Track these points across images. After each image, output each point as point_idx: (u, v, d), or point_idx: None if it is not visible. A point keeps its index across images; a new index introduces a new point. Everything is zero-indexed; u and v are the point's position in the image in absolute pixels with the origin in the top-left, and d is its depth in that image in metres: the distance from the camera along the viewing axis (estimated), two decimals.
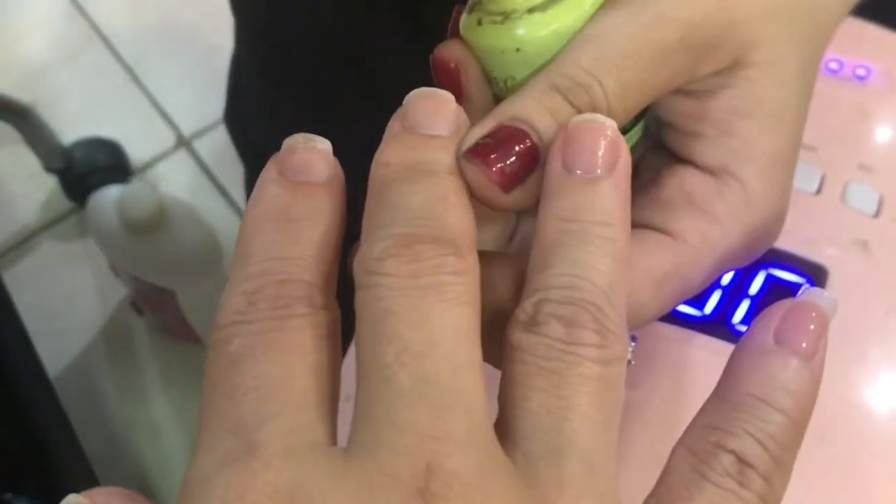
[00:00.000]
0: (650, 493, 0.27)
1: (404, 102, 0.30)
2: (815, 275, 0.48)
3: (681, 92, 0.33)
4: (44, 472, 1.04)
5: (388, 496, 0.23)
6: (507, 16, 0.32)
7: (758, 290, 0.48)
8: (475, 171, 0.29)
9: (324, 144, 0.30)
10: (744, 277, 0.48)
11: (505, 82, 0.33)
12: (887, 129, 0.54)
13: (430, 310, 0.25)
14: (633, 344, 0.46)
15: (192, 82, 1.78)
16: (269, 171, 0.29)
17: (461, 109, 0.31)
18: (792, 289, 0.48)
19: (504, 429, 0.26)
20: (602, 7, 0.32)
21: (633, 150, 0.35)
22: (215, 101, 1.71)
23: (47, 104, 1.63)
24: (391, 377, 0.25)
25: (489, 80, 0.33)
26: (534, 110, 0.30)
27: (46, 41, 1.85)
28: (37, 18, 1.87)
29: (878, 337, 0.47)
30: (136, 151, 1.69)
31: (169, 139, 1.74)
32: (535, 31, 0.31)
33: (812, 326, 0.28)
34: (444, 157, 0.29)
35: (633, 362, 0.45)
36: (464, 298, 0.26)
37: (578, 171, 0.28)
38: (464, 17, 0.33)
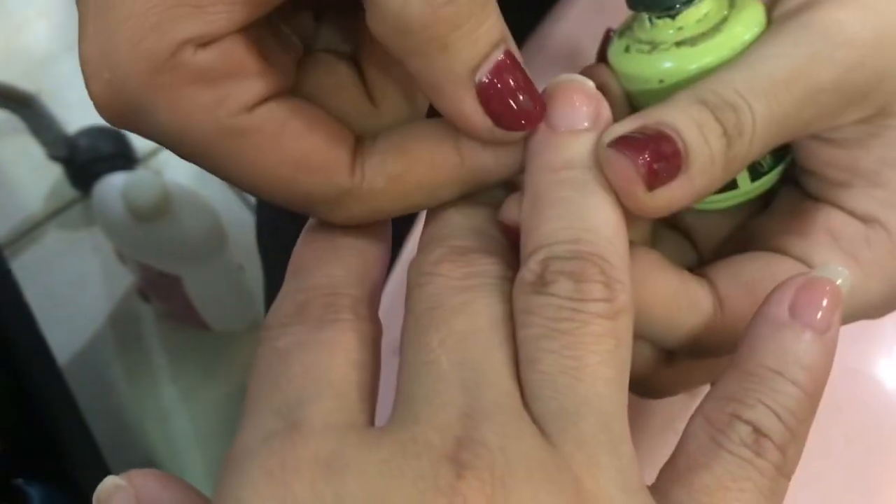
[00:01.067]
0: (667, 461, 0.28)
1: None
2: None
3: (824, 140, 0.32)
4: (54, 458, 1.04)
5: (419, 462, 0.24)
6: (655, 46, 0.32)
7: None
8: (622, 162, 0.28)
9: None
10: None
11: None
12: None
13: (473, 301, 0.28)
14: None
15: None
16: None
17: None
18: None
19: (522, 391, 0.27)
20: (756, 41, 0.31)
21: (767, 192, 0.35)
22: None
23: (50, 94, 1.63)
24: (433, 361, 0.27)
25: (631, 108, 0.33)
26: (680, 119, 0.29)
27: (49, 31, 1.85)
28: (39, 8, 1.87)
29: None
30: (140, 139, 1.68)
31: None
32: (681, 66, 0.31)
33: (825, 301, 0.28)
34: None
35: None
36: (508, 296, 0.28)
37: (563, 128, 0.29)
38: (613, 42, 0.33)
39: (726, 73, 0.30)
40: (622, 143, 0.29)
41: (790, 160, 0.34)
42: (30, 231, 1.64)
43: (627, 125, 0.29)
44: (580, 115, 0.29)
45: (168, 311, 1.54)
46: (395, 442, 0.25)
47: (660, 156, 0.29)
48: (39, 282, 1.45)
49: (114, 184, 1.34)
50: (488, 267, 0.28)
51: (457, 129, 0.30)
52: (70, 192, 1.65)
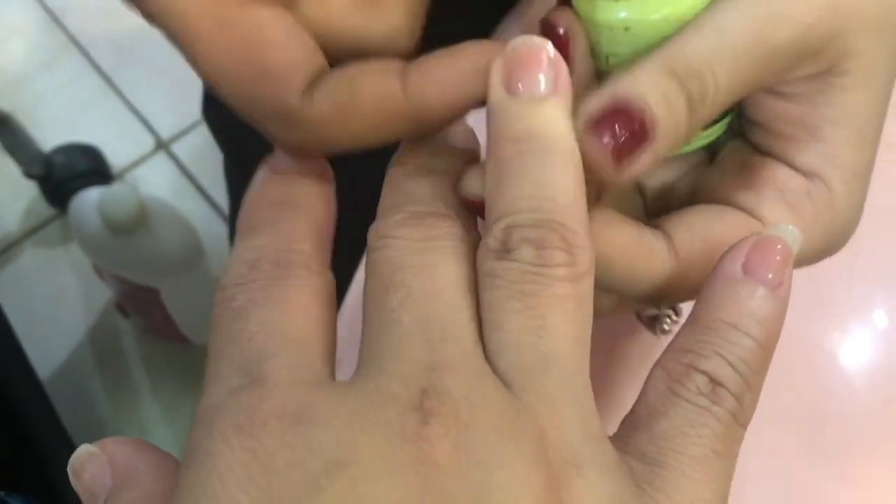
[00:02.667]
0: (629, 412, 0.29)
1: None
2: None
3: (774, 94, 0.33)
4: (37, 471, 1.04)
5: (385, 412, 0.25)
6: None
7: None
8: (596, 144, 0.30)
9: None
10: None
11: (607, 58, 0.33)
12: None
13: (435, 263, 0.28)
14: (676, 317, 0.47)
15: (168, 87, 1.78)
16: (269, 162, 0.32)
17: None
18: None
19: (486, 349, 0.27)
20: None
21: (715, 141, 0.36)
22: (192, 104, 1.70)
23: (25, 112, 1.63)
24: (395, 319, 0.27)
25: (592, 52, 0.34)
26: (649, 91, 0.30)
27: (23, 50, 1.85)
28: (13, 27, 1.88)
29: (844, 282, 0.48)
30: (116, 156, 1.70)
31: (147, 143, 1.75)
32: (646, 14, 0.32)
33: (777, 258, 0.29)
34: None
35: (669, 330, 0.47)
36: (467, 259, 0.29)
37: (522, 94, 0.29)
38: None
39: (690, 38, 0.31)
40: (598, 125, 0.30)
41: (738, 111, 0.35)
42: (7, 249, 1.64)
43: (598, 101, 0.30)
44: (541, 81, 0.29)
45: (147, 325, 1.54)
46: (360, 393, 0.25)
47: (629, 132, 0.30)
48: (17, 299, 1.45)
49: (90, 198, 1.34)
50: (447, 230, 0.29)
51: (405, 65, 0.30)
52: (47, 209, 1.65)
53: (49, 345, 1.51)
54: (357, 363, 0.27)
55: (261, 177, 0.32)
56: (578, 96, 0.31)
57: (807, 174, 0.34)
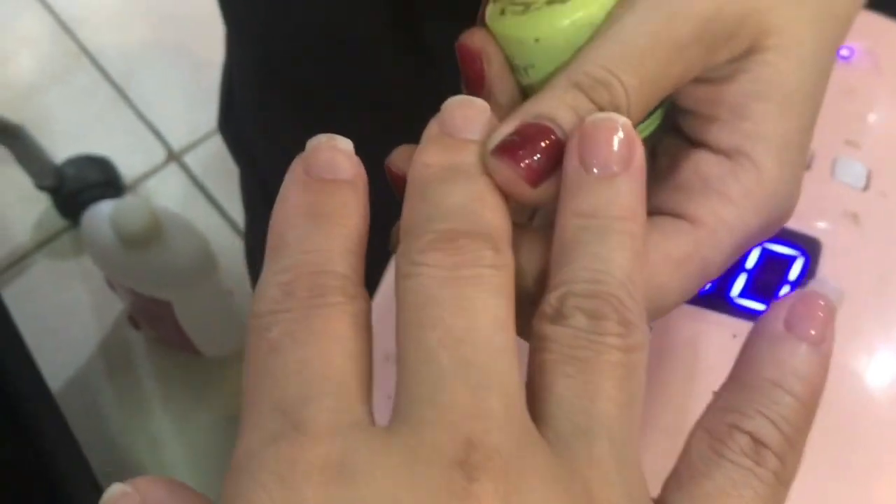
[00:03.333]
0: (671, 472, 0.29)
1: (442, 108, 0.32)
2: (809, 247, 0.49)
3: (698, 78, 0.34)
4: (49, 485, 1.04)
5: (431, 468, 0.24)
6: (527, 6, 0.33)
7: (754, 264, 0.49)
8: (503, 168, 0.30)
9: (346, 144, 0.32)
10: None
11: (526, 70, 0.34)
12: (871, 107, 0.55)
13: (470, 298, 0.27)
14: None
15: (180, 97, 1.79)
16: (296, 171, 0.31)
17: (494, 117, 0.32)
18: (786, 261, 0.49)
19: (534, 412, 0.27)
20: (619, 1, 0.32)
21: (650, 138, 0.36)
22: (204, 116, 1.72)
23: (37, 124, 1.63)
24: (433, 359, 0.26)
25: (511, 67, 0.34)
26: (557, 108, 0.31)
27: (34, 62, 1.85)
28: (23, 39, 1.88)
29: (873, 303, 0.48)
30: (127, 168, 1.70)
31: (159, 154, 1.75)
32: (553, 23, 0.32)
33: (820, 314, 0.29)
34: (478, 161, 0.31)
35: None
36: (501, 290, 0.28)
37: (595, 169, 0.30)
38: (489, 7, 0.34)
39: (593, 48, 0.32)
40: (502, 150, 0.30)
41: (668, 105, 0.36)
42: (19, 261, 1.64)
43: (508, 126, 0.31)
44: (613, 159, 0.30)
45: (158, 337, 1.53)
46: (403, 446, 0.25)
47: (539, 152, 0.30)
48: (29, 311, 1.45)
49: (102, 211, 1.33)
50: (477, 253, 0.28)
51: None
52: (58, 221, 1.65)
53: (60, 357, 1.50)
54: (395, 403, 0.27)
55: (291, 183, 0.31)
56: (503, 115, 0.32)
57: (730, 154, 0.34)
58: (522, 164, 0.30)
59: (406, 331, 0.27)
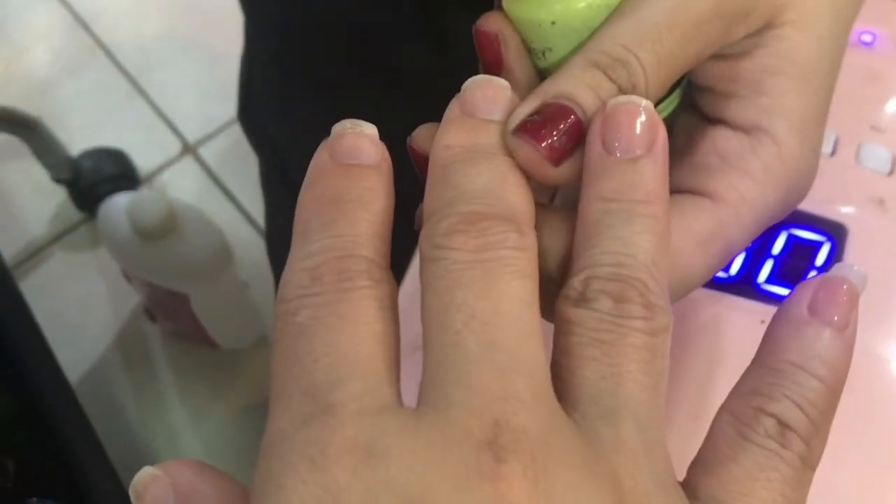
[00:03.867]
0: (696, 456, 0.29)
1: (463, 88, 0.32)
2: (835, 233, 0.49)
3: (715, 55, 0.34)
4: (68, 476, 1.04)
5: (460, 448, 0.24)
6: None
7: (780, 249, 0.49)
8: (525, 148, 0.30)
9: (371, 129, 0.32)
10: (766, 238, 0.50)
11: (543, 53, 0.34)
12: (895, 92, 0.55)
13: (496, 281, 0.27)
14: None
15: (195, 90, 1.79)
16: (322, 156, 0.31)
17: (515, 96, 0.32)
18: (813, 247, 0.49)
19: (560, 395, 0.27)
20: None
21: (670, 117, 0.36)
22: (219, 108, 1.73)
23: (53, 117, 1.64)
24: (460, 342, 0.26)
25: (528, 50, 0.34)
26: (576, 87, 0.31)
27: (49, 55, 1.86)
28: (39, 32, 1.89)
29: None
30: (143, 160, 1.70)
31: (174, 147, 1.76)
32: (569, 5, 0.32)
33: (844, 299, 0.29)
34: (500, 141, 0.31)
35: None
36: (526, 271, 0.28)
37: (618, 152, 0.30)
38: None
39: (611, 27, 0.32)
40: (523, 129, 0.30)
41: (685, 83, 0.36)
42: (35, 254, 1.64)
43: (528, 106, 0.31)
44: (636, 141, 0.30)
45: (175, 329, 1.54)
46: (432, 427, 0.25)
47: (561, 131, 0.30)
48: (46, 304, 1.46)
49: (119, 204, 1.34)
50: (501, 235, 0.28)
51: None
52: (75, 213, 1.66)
53: (76, 348, 1.51)
54: (422, 385, 0.27)
55: (317, 169, 0.31)
56: (522, 97, 0.32)
57: (749, 130, 0.34)
58: (544, 144, 0.30)
59: (431, 314, 0.27)
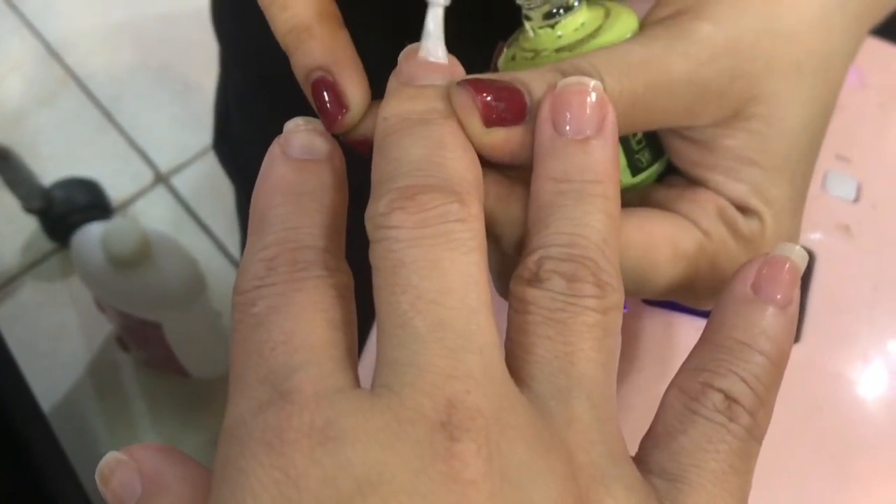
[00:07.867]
0: (647, 431, 0.30)
1: (399, 60, 0.33)
2: None
3: (686, 139, 0.34)
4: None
5: (414, 429, 0.25)
6: (537, 53, 0.34)
7: None
8: (463, 95, 0.31)
9: (320, 124, 0.33)
10: None
11: None
12: (860, 122, 0.56)
13: (440, 258, 0.27)
14: (623, 309, 0.48)
15: (166, 120, 1.79)
16: (274, 152, 0.32)
17: (456, 62, 0.33)
18: None
19: (514, 372, 0.28)
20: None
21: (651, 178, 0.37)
22: (192, 137, 1.73)
23: (25, 147, 1.63)
24: (407, 323, 0.27)
25: None
26: (533, 79, 0.32)
27: (22, 84, 1.86)
28: (11, 62, 1.88)
29: (866, 313, 0.49)
30: (115, 190, 1.70)
31: (147, 176, 1.75)
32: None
33: (786, 277, 0.30)
34: (438, 105, 0.31)
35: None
36: (471, 244, 0.28)
37: (568, 133, 0.30)
38: (504, 52, 0.36)
39: (590, 54, 0.32)
40: (467, 82, 0.31)
41: (667, 157, 0.36)
42: (7, 283, 1.63)
43: (485, 75, 0.32)
44: (586, 122, 0.30)
45: (147, 358, 1.53)
46: (387, 408, 0.25)
47: (502, 98, 0.31)
48: (18, 333, 1.45)
49: (93, 232, 1.34)
50: (441, 209, 0.28)
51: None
52: (46, 243, 1.66)
53: (49, 378, 1.50)
54: (376, 367, 0.27)
55: (270, 165, 0.31)
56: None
57: (737, 204, 0.35)
58: (482, 97, 0.30)
59: (380, 296, 0.28)
